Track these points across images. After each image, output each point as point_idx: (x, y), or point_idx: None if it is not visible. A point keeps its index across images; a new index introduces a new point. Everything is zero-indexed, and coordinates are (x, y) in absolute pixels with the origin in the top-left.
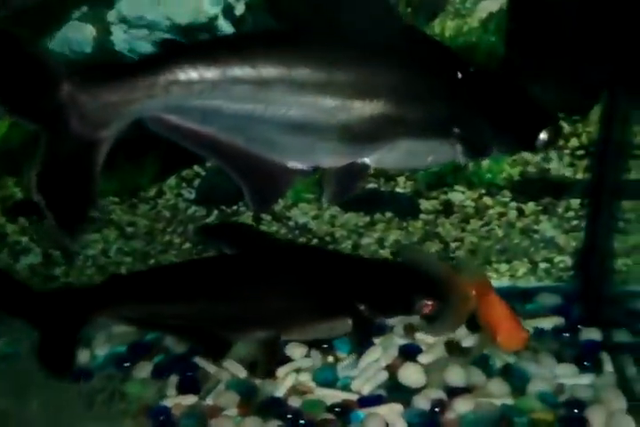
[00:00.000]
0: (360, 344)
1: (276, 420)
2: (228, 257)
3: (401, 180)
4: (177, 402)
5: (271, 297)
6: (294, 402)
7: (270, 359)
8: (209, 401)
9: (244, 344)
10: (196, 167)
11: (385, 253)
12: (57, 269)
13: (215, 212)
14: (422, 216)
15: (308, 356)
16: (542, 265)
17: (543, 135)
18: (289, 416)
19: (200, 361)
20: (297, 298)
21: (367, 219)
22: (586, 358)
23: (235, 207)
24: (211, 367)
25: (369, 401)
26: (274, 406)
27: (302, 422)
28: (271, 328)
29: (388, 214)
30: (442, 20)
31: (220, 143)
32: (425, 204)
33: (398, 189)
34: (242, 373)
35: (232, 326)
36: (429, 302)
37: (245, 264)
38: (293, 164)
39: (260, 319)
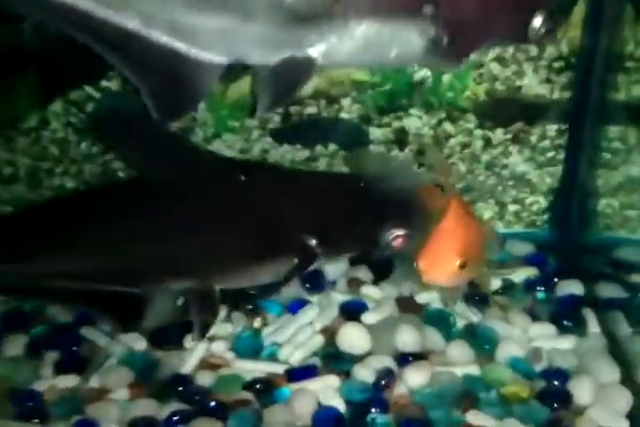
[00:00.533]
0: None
1: (177, 402)
2: (133, 182)
3: (346, 102)
4: (53, 384)
5: (196, 234)
6: (204, 379)
7: (208, 317)
8: (94, 382)
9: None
10: (87, 88)
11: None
12: None
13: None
14: (372, 148)
15: (227, 320)
16: (512, 207)
17: (537, 22)
18: (196, 398)
19: (89, 332)
20: (228, 233)
21: (306, 153)
22: (565, 317)
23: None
24: (102, 339)
25: (298, 374)
26: (176, 385)
27: (212, 404)
28: (200, 275)
29: (332, 147)
30: None
31: (103, 24)
32: (375, 132)
33: (343, 115)
34: (140, 344)
35: (147, 278)
36: (401, 233)
37: (157, 189)
38: (208, 56)
39: (184, 265)
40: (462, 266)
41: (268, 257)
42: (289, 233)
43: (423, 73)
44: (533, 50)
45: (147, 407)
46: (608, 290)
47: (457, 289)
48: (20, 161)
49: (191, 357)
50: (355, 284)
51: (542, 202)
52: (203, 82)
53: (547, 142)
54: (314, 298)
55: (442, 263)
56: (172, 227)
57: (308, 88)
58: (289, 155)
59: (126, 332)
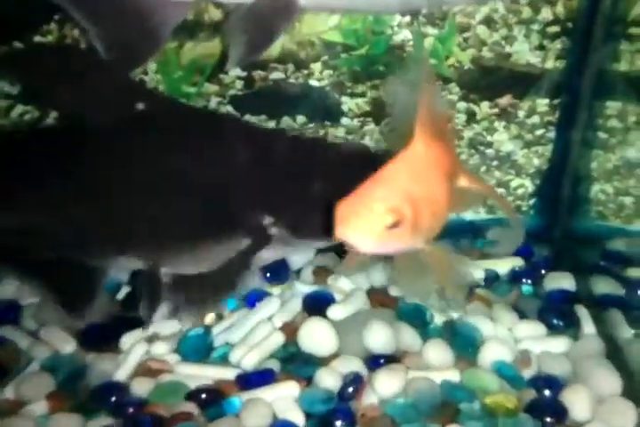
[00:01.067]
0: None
1: (107, 417)
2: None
3: (316, 67)
4: None
5: (138, 203)
6: (141, 387)
7: (151, 301)
8: (8, 393)
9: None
10: (17, 44)
11: None
12: None
13: (53, 113)
14: (345, 121)
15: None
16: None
17: None
18: (129, 410)
19: (9, 331)
20: (173, 204)
21: (272, 125)
22: (555, 314)
23: None
24: (24, 340)
25: (252, 380)
26: (107, 395)
27: (147, 418)
28: (142, 253)
29: (300, 118)
30: None
31: None
32: (349, 103)
33: (312, 82)
34: (68, 345)
35: (90, 249)
36: None
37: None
38: None
39: (124, 240)
40: (394, 225)
41: (216, 235)
42: (240, 209)
43: (402, 36)
44: (526, 11)
45: (68, 423)
46: (603, 285)
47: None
48: None
49: (127, 360)
50: (321, 273)
51: (529, 185)
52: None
53: (536, 118)
54: (275, 290)
55: (363, 217)
56: (110, 191)
57: (273, 49)
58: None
59: (73, 312)
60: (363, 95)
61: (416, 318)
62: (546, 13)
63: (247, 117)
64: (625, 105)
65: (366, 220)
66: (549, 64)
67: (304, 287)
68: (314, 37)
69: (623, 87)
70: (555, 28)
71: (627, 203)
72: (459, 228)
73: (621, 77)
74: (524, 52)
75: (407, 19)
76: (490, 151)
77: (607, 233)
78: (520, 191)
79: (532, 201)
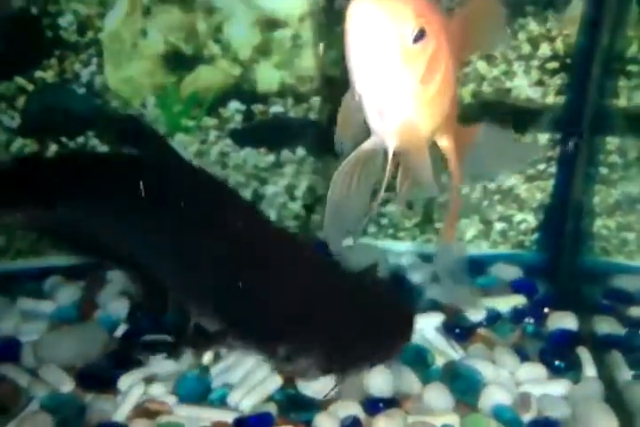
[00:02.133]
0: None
1: None
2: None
3: (316, 101)
4: None
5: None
6: None
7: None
8: None
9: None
10: (18, 79)
11: (296, 206)
12: None
13: (53, 146)
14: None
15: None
16: (498, 225)
17: None
18: None
19: (9, 369)
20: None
21: (271, 158)
22: (557, 356)
23: (82, 139)
24: (23, 378)
25: (250, 424)
26: None
27: None
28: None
29: (300, 151)
30: None
31: None
32: None
33: (313, 115)
34: (66, 385)
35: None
36: None
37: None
38: None
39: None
40: (420, 35)
41: None
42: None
43: None
44: (525, 47)
45: None
46: (606, 325)
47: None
48: None
49: (125, 401)
50: None
51: (532, 220)
52: None
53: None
54: None
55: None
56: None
57: (273, 84)
58: (251, 159)
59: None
60: None
61: (417, 359)
62: (545, 49)
63: (246, 150)
64: (624, 140)
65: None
66: (549, 99)
67: None
68: (313, 72)
69: (622, 123)
70: (554, 64)
71: (630, 238)
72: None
73: (620, 113)
74: (523, 88)
75: None
76: (492, 186)
77: (610, 269)
78: (523, 226)
79: (534, 236)
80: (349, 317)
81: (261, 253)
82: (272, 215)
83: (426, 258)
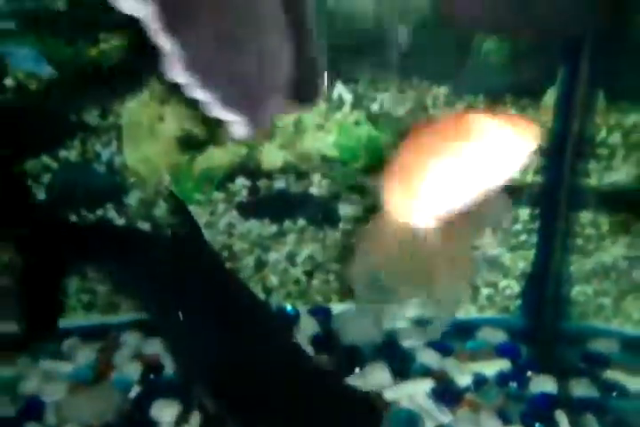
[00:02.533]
0: None
1: None
2: None
3: (316, 178)
4: None
5: None
6: None
7: None
8: None
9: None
10: (44, 158)
11: (296, 272)
12: None
13: (73, 217)
14: (342, 225)
15: None
16: (485, 291)
17: None
18: None
19: None
20: None
21: (274, 228)
22: (537, 418)
23: (100, 211)
24: None
25: None
26: None
27: None
28: None
29: (301, 222)
30: None
31: None
32: (345, 209)
33: (312, 190)
34: None
35: None
36: None
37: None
38: None
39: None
40: None
41: None
42: None
43: None
44: None
45: None
46: (581, 388)
47: None
48: None
49: None
50: None
51: (515, 287)
52: None
53: (519, 226)
54: None
55: None
56: None
57: (276, 161)
58: (255, 229)
59: None
60: (357, 202)
61: (408, 424)
62: None
63: (251, 222)
64: (597, 215)
65: None
66: (529, 178)
67: None
68: (313, 152)
69: (595, 200)
70: None
71: (605, 303)
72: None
73: (592, 191)
74: None
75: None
76: (479, 254)
77: (588, 333)
78: (508, 292)
79: (518, 301)
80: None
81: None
82: (274, 280)
83: (418, 323)
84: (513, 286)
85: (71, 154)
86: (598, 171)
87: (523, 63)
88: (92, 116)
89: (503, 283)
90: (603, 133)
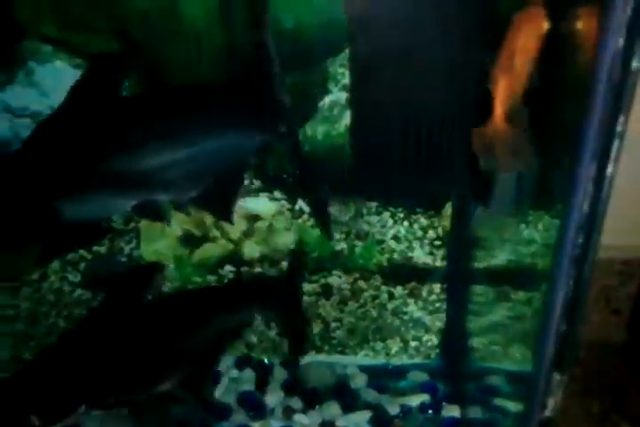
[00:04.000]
0: None
1: None
2: None
3: (285, 264)
4: None
5: None
6: None
7: None
8: None
9: None
10: (81, 251)
11: (271, 333)
12: None
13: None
14: (305, 298)
15: None
16: (412, 343)
17: None
18: None
19: None
20: None
21: None
22: None
23: None
24: None
25: None
26: None
27: None
28: None
29: None
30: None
31: None
32: (307, 286)
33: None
34: None
35: None
36: None
37: None
38: None
39: None
40: None
41: None
42: None
43: (343, 244)
44: (419, 232)
45: None
46: (474, 412)
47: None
48: (21, 304)
49: None
50: (288, 412)
51: (435, 339)
52: None
53: (434, 296)
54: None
55: None
56: None
57: (255, 253)
58: None
59: None
60: (316, 282)
61: None
62: (432, 233)
63: None
64: (487, 288)
65: None
66: (438, 263)
67: (276, 423)
68: (283, 247)
69: (484, 278)
70: (439, 242)
71: (496, 350)
72: (387, 370)
73: (482, 271)
74: (421, 256)
75: None
76: (406, 317)
77: (485, 371)
78: (429, 343)
79: (437, 350)
80: None
81: None
82: (254, 339)
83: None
84: (433, 340)
85: (102, 248)
86: (485, 257)
87: None
88: (117, 223)
89: (426, 337)
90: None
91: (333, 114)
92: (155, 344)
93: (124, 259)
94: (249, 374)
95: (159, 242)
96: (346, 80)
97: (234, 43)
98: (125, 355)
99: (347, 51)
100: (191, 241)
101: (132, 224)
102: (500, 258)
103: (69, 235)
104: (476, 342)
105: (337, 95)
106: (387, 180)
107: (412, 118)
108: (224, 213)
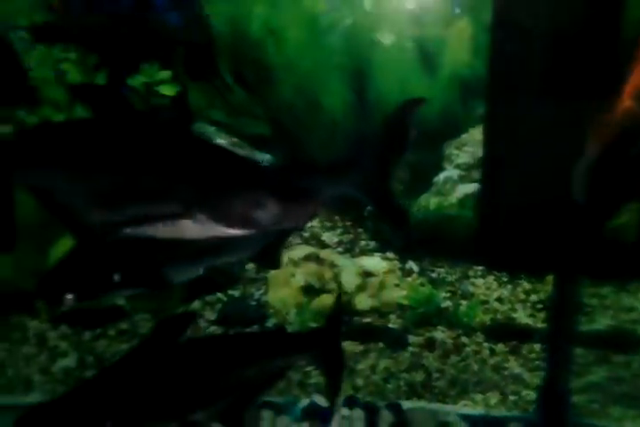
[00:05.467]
0: None
1: None
2: None
3: (392, 317)
4: None
5: None
6: None
7: None
8: None
9: None
10: (219, 294)
11: (376, 378)
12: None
13: (232, 332)
14: (410, 349)
15: None
16: (511, 397)
17: None
18: None
19: None
20: None
21: (362, 347)
22: None
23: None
24: None
25: None
26: None
27: None
28: None
29: (380, 345)
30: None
31: None
32: (412, 339)
33: (390, 325)
34: None
35: None
36: None
37: None
38: None
39: None
40: None
41: None
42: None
43: (448, 302)
44: (522, 295)
45: None
46: None
47: None
48: None
49: None
50: None
51: (533, 394)
52: None
53: (534, 354)
54: None
55: None
56: None
57: (366, 305)
58: (349, 347)
59: None
60: (422, 335)
61: None
62: (534, 297)
63: (346, 342)
64: (587, 350)
65: None
66: (539, 324)
67: None
68: (391, 300)
69: (582, 340)
70: (541, 306)
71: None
72: (486, 420)
73: (581, 335)
74: (522, 317)
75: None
76: (506, 373)
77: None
78: (528, 398)
79: (535, 405)
80: None
81: None
82: (360, 382)
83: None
84: (531, 394)
85: (235, 292)
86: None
87: None
88: (250, 272)
89: (524, 392)
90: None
91: (446, 188)
92: (196, 378)
93: (253, 302)
94: (358, 413)
95: (283, 290)
96: (460, 160)
97: (365, 131)
98: (167, 384)
99: (462, 135)
100: (311, 291)
101: (262, 274)
102: (601, 323)
103: (208, 281)
104: (573, 399)
105: (451, 172)
106: (512, 251)
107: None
108: (272, 262)
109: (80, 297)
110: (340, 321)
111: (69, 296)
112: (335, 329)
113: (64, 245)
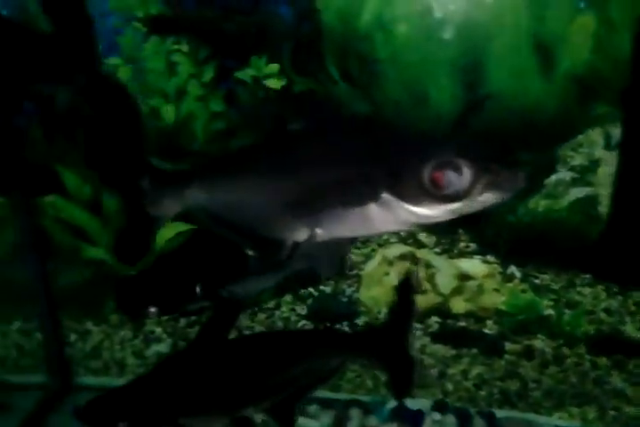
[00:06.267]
0: None
1: None
2: None
3: (489, 322)
4: None
5: None
6: None
7: None
8: None
9: None
10: (310, 289)
11: (468, 384)
12: None
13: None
14: (506, 357)
15: None
16: (611, 412)
17: None
18: None
19: None
20: None
21: (454, 352)
22: None
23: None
24: None
25: None
26: None
27: None
28: None
29: (474, 351)
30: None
31: None
32: (509, 346)
33: (486, 330)
34: None
35: None
36: None
37: None
38: None
39: None
40: None
41: None
42: None
43: (551, 310)
44: (632, 307)
45: None
46: None
47: None
48: (256, 328)
49: None
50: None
51: (635, 411)
52: None
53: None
54: None
55: None
56: None
57: (461, 308)
58: (441, 351)
59: None
60: (519, 342)
61: None
62: None
63: (437, 346)
64: None
65: None
66: None
67: None
68: (489, 304)
69: None
70: None
71: None
72: None
73: None
74: (631, 331)
75: None
76: (609, 387)
77: None
78: (630, 415)
79: (638, 422)
80: None
81: None
82: (450, 387)
83: None
84: (632, 411)
85: (327, 288)
86: None
87: None
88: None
89: (626, 408)
90: None
91: (558, 191)
92: (248, 373)
93: (344, 299)
94: (450, 419)
95: (376, 288)
96: (574, 161)
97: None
98: (220, 379)
99: (578, 136)
100: None
101: (355, 271)
102: None
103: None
104: None
105: (564, 174)
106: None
107: None
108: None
109: (163, 311)
110: (409, 318)
111: (153, 310)
112: (400, 327)
113: (173, 228)
